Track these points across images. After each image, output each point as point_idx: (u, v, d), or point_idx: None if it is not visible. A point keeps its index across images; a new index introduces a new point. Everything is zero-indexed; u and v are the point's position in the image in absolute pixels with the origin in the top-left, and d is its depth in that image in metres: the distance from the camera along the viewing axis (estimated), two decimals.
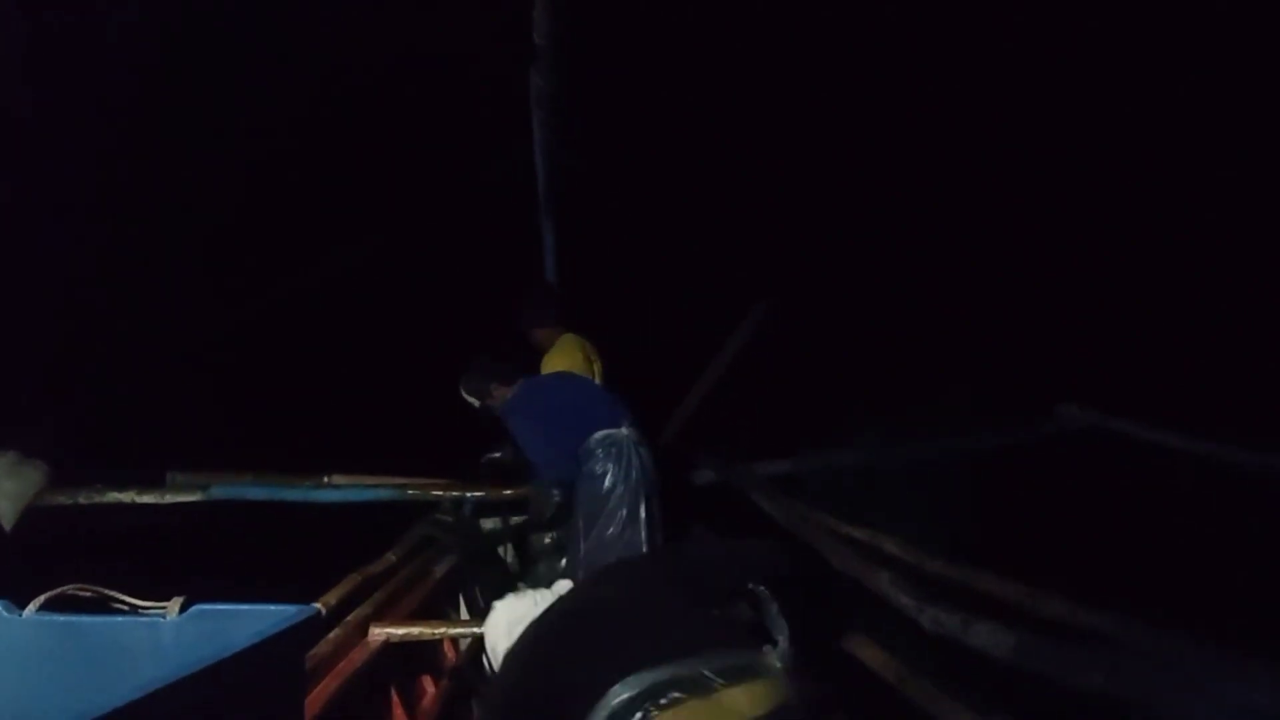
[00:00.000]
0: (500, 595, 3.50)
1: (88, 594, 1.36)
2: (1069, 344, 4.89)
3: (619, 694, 1.30)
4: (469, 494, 4.06)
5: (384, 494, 3.97)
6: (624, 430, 3.56)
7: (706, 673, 1.33)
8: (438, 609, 3.40)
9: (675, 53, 5.45)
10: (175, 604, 1.36)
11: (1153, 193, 4.86)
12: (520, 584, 4.07)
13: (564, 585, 2.05)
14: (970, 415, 4.64)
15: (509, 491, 4.04)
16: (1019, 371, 4.84)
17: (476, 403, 3.82)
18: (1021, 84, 5.21)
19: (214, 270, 5.16)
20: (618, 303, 4.95)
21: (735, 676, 1.35)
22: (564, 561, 3.72)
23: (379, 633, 2.71)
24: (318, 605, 2.40)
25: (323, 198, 5.53)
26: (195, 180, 4.80)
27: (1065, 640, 2.07)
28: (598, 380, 4.16)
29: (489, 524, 4.30)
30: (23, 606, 1.37)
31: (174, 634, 1.34)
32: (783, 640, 1.49)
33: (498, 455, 4.16)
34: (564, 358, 4.18)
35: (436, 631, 2.91)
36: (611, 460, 3.50)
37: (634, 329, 4.80)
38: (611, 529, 3.46)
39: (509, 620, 1.86)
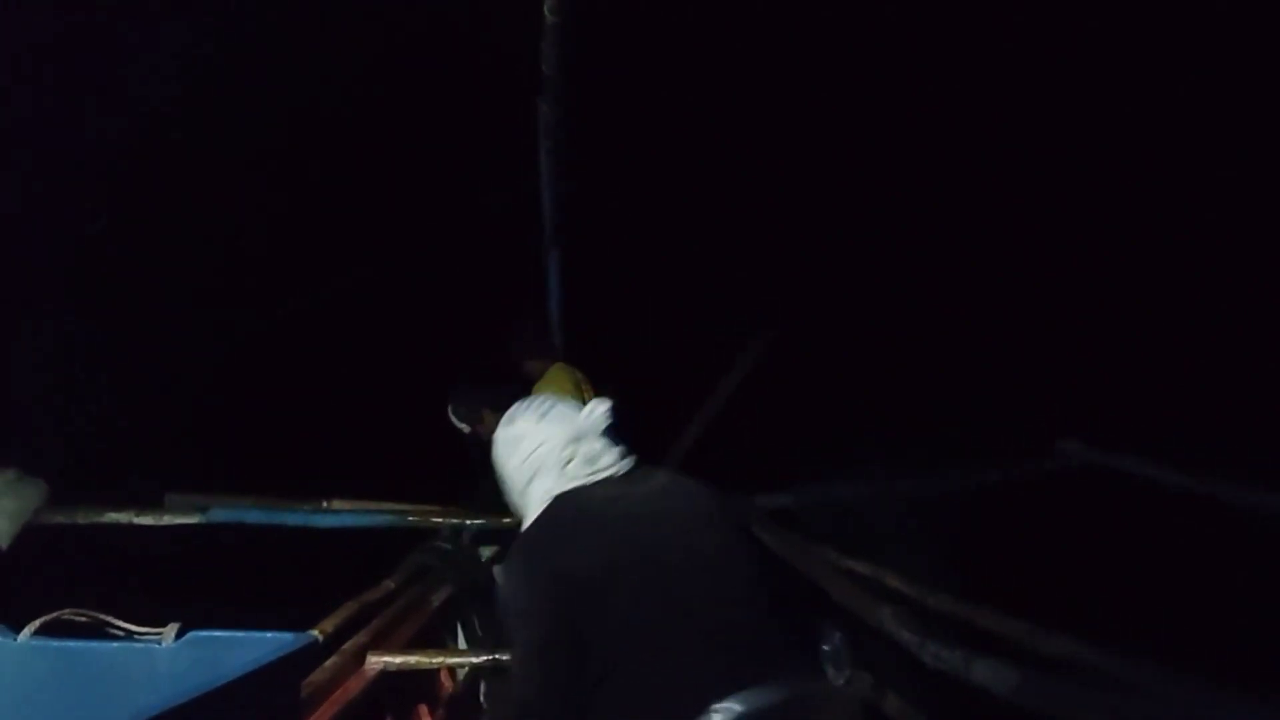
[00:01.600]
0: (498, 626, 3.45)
1: (83, 619, 1.36)
2: (1071, 380, 4.88)
3: (729, 710, 1.29)
4: (469, 521, 4.03)
5: (383, 519, 3.94)
6: None
7: (804, 696, 1.34)
8: (435, 638, 3.38)
9: (683, 82, 5.50)
10: (171, 630, 1.36)
11: (1154, 238, 4.87)
12: None
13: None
14: (972, 451, 4.63)
15: (509, 520, 4.01)
16: (1020, 408, 4.82)
17: (466, 428, 3.72)
18: (1022, 111, 5.24)
19: (216, 291, 5.17)
20: (624, 332, 4.95)
21: (827, 701, 1.38)
22: None
23: (376, 661, 2.69)
24: (315, 633, 2.39)
25: (324, 222, 5.55)
26: (195, 201, 4.82)
27: (1068, 678, 2.05)
28: None
29: (488, 552, 4.27)
30: (18, 629, 1.36)
31: (169, 661, 1.33)
32: (848, 671, 1.51)
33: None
34: (553, 386, 4.16)
35: (434, 661, 2.90)
36: None
37: (638, 358, 4.79)
38: None
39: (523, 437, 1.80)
